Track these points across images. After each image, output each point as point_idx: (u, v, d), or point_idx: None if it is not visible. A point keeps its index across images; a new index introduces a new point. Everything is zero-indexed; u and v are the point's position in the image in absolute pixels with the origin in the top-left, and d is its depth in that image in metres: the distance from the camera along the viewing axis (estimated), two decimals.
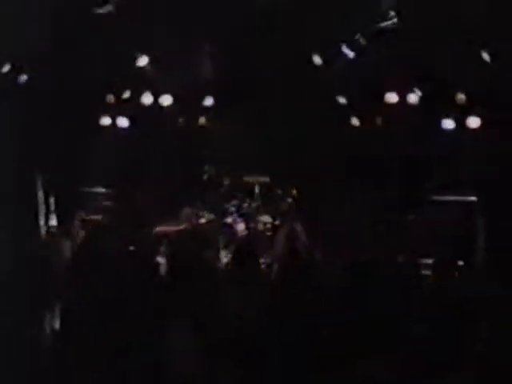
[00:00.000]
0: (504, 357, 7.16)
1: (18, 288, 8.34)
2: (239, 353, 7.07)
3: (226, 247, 11.85)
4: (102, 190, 13.56)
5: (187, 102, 13.17)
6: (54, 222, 12.32)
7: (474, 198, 12.64)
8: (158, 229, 11.86)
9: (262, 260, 11.55)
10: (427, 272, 9.76)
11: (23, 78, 11.31)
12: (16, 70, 11.26)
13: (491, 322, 7.55)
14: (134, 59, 11.89)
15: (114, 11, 10.66)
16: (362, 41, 11.41)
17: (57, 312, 8.88)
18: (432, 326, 7.51)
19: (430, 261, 10.25)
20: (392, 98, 12.65)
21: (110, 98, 12.71)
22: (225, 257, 11.67)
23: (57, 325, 8.83)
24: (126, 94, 12.71)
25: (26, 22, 10.50)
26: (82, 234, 11.32)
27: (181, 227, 11.88)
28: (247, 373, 7.02)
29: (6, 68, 11.30)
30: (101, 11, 10.44)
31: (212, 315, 7.46)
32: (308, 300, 7.33)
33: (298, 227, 11.04)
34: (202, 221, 12.48)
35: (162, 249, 11.56)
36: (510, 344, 7.20)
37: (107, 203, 13.46)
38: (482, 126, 12.48)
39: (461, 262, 9.86)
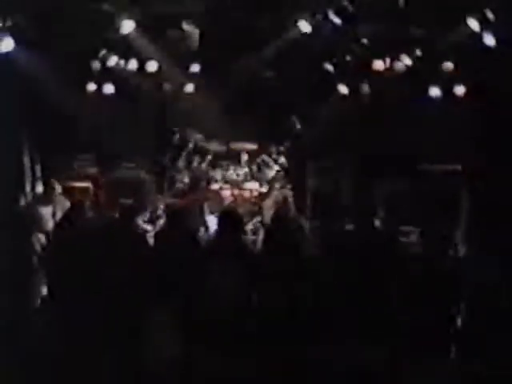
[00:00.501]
0: (486, 330, 7.21)
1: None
2: (223, 325, 7.09)
3: (212, 214, 11.86)
4: (86, 156, 13.48)
5: (173, 68, 13.13)
6: (39, 188, 12.26)
7: (459, 167, 12.69)
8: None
9: (248, 226, 11.65)
10: (410, 239, 9.87)
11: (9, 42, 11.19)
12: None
13: (474, 295, 7.57)
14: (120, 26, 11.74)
15: None
16: (350, 8, 11.33)
17: (41, 282, 8.92)
18: (413, 297, 7.52)
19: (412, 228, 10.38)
20: (379, 65, 12.64)
21: (96, 65, 12.61)
22: (211, 222, 11.68)
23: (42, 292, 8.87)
24: (112, 61, 12.60)
25: None
26: (65, 201, 11.30)
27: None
28: (231, 346, 7.04)
29: None
30: None
31: (198, 284, 7.47)
32: (293, 267, 7.34)
33: (288, 193, 11.09)
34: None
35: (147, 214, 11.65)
36: (492, 318, 7.25)
37: (93, 171, 13.42)
38: (468, 94, 12.53)
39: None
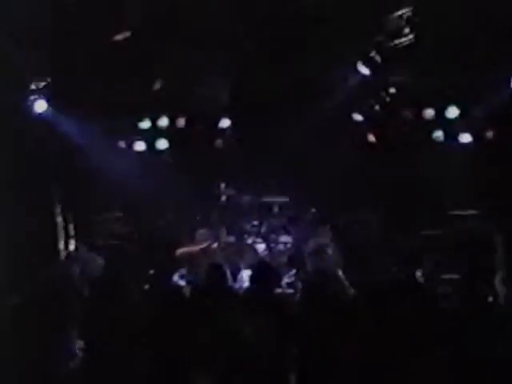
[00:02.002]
0: None
1: (38, 312, 8.32)
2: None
3: (248, 268, 11.79)
4: (120, 214, 13.55)
5: (203, 124, 13.23)
6: (72, 246, 12.31)
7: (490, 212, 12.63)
8: (180, 251, 11.82)
9: (284, 279, 11.57)
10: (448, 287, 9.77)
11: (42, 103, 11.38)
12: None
13: None
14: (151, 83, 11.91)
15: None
16: (377, 58, 11.41)
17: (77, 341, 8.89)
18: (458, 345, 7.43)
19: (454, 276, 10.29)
20: (408, 113, 12.69)
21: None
22: (247, 278, 11.62)
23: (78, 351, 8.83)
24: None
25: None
26: (99, 259, 11.34)
27: (202, 246, 11.82)
28: None
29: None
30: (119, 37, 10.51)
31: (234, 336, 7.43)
32: (332, 320, 7.29)
33: (326, 245, 11.03)
34: (215, 244, 12.37)
35: (183, 271, 11.59)
36: None
37: (126, 228, 13.46)
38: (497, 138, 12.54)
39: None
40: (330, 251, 11.11)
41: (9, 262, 10.23)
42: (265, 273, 7.86)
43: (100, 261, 11.09)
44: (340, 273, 9.96)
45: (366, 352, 7.16)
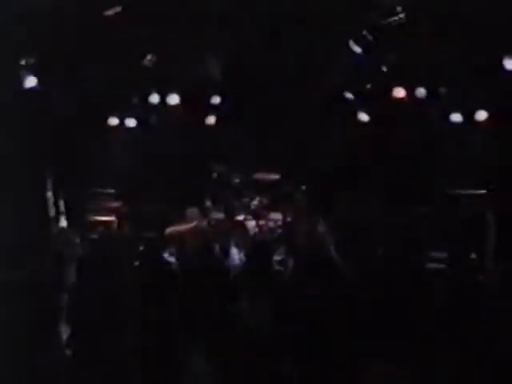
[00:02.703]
0: None
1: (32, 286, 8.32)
2: (251, 358, 7.06)
3: (237, 245, 11.80)
4: (111, 190, 13.55)
5: (195, 100, 13.20)
6: (63, 223, 12.28)
7: (484, 191, 12.65)
8: (169, 230, 11.82)
9: (275, 257, 11.57)
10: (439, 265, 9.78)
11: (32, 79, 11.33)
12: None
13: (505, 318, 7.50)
14: (142, 59, 11.87)
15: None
16: (370, 36, 11.38)
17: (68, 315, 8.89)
18: (445, 324, 7.46)
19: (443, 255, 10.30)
20: (400, 92, 12.67)
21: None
22: (236, 255, 11.63)
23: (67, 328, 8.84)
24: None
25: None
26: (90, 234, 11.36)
27: (191, 226, 11.83)
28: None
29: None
30: (109, 12, 10.45)
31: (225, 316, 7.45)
32: (324, 296, 7.31)
33: (318, 222, 11.04)
34: (204, 223, 12.38)
35: (172, 249, 11.59)
36: None
37: (116, 204, 13.46)
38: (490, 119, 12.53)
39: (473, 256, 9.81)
40: (321, 228, 11.13)
41: None
42: (262, 251, 7.90)
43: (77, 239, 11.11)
44: (332, 250, 9.99)
45: (359, 329, 7.20)
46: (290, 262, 9.92)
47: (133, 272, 8.60)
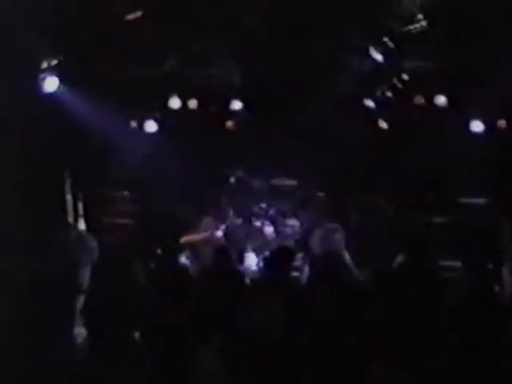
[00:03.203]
0: None
1: (47, 289, 8.35)
2: (269, 364, 7.06)
3: (254, 251, 11.82)
4: (128, 194, 13.61)
5: (215, 105, 13.23)
6: (82, 225, 12.30)
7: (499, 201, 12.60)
8: (184, 239, 11.87)
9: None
10: (454, 275, 9.74)
11: (54, 81, 11.39)
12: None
13: None
14: (163, 63, 11.92)
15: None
16: (390, 44, 11.36)
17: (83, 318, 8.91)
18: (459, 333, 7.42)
19: (457, 263, 10.26)
20: (419, 100, 12.64)
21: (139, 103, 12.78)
22: (253, 260, 11.66)
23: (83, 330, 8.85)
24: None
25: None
26: (109, 237, 11.42)
27: (205, 235, 11.87)
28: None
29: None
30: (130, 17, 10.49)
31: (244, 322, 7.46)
32: (338, 303, 7.31)
33: (335, 229, 11.06)
34: (219, 232, 12.40)
35: (189, 252, 11.64)
36: None
37: (134, 207, 13.52)
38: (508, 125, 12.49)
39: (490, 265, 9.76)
40: (337, 236, 11.12)
41: (17, 240, 10.25)
42: (281, 257, 7.91)
43: (94, 242, 11.19)
44: (347, 257, 9.98)
45: (373, 336, 7.18)
46: (307, 269, 9.94)
47: (149, 275, 8.63)
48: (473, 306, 7.55)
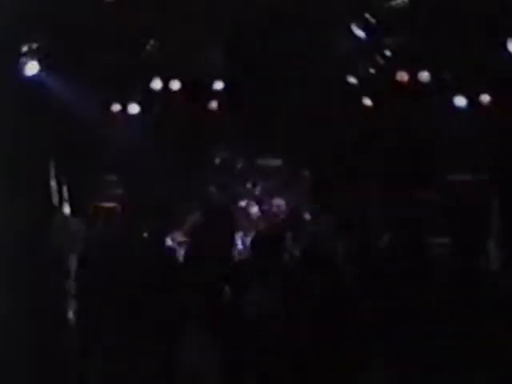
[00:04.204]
0: None
1: (34, 275, 8.34)
2: (260, 347, 7.07)
3: (240, 231, 11.81)
4: (113, 177, 13.55)
5: (197, 86, 13.16)
6: (67, 210, 12.25)
7: (486, 177, 12.62)
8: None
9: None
10: (442, 251, 9.79)
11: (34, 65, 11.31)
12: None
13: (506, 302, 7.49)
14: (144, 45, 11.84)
15: None
16: (372, 20, 11.33)
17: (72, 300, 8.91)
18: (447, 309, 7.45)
19: (444, 240, 10.31)
20: (403, 76, 12.61)
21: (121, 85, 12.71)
22: (240, 240, 11.65)
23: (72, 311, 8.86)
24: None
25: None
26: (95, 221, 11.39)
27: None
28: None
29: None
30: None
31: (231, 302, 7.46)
32: (328, 282, 7.34)
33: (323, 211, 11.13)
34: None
35: (175, 234, 11.62)
36: None
37: (119, 191, 13.47)
38: (494, 102, 12.47)
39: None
40: (324, 216, 11.18)
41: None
42: (270, 238, 7.92)
43: (81, 225, 11.18)
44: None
45: (362, 316, 7.21)
46: (295, 248, 9.98)
47: (136, 259, 8.61)
48: (460, 281, 7.59)
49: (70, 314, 8.80)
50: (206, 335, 7.35)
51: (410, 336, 7.14)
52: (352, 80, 12.90)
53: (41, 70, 11.46)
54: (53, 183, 12.46)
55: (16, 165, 11.15)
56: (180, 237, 11.62)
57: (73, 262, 9.46)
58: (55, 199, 12.34)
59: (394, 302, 7.34)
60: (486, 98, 12.55)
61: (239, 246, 11.54)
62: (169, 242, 11.22)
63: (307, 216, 12.03)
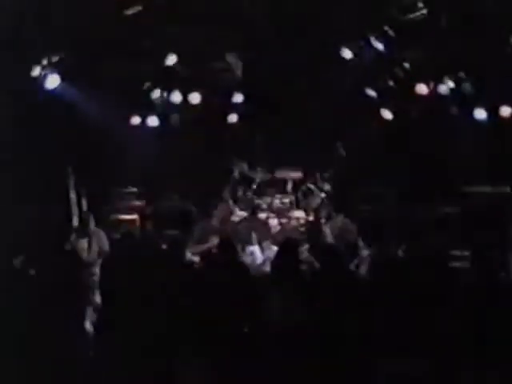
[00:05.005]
0: None
1: (54, 287, 8.34)
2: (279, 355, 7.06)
3: (260, 244, 11.79)
4: (133, 189, 13.61)
5: (217, 98, 13.20)
6: (91, 222, 12.29)
7: (506, 189, 12.58)
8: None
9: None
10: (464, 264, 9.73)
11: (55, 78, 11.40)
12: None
13: None
14: (164, 58, 11.90)
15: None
16: (391, 33, 11.34)
17: (90, 312, 8.92)
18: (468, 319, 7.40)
19: (464, 252, 10.25)
20: (422, 89, 12.59)
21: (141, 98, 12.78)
22: (260, 253, 11.63)
23: (90, 324, 8.86)
24: (156, 94, 12.75)
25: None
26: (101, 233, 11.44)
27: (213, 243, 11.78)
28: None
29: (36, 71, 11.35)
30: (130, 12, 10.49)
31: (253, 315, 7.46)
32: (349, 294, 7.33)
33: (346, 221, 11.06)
34: (235, 218, 12.44)
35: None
36: None
37: (139, 203, 13.52)
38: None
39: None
40: (343, 227, 11.16)
41: (22, 238, 10.26)
42: (291, 250, 7.90)
43: (105, 236, 11.26)
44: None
45: (381, 327, 7.18)
46: (313, 260, 9.95)
47: (156, 271, 8.61)
48: (479, 294, 7.53)
49: (90, 324, 8.82)
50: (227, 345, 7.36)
51: (427, 353, 7.11)
52: (371, 92, 12.90)
53: (61, 83, 11.54)
54: (72, 195, 12.56)
55: (37, 177, 11.28)
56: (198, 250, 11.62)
57: (96, 272, 9.52)
58: (75, 210, 12.44)
59: (412, 314, 7.30)
60: (506, 111, 12.50)
61: (259, 258, 11.53)
62: (188, 254, 11.21)
63: (327, 228, 11.98)
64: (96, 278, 9.49)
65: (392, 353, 7.09)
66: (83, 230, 11.35)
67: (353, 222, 11.65)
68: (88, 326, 8.58)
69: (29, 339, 7.40)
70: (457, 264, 9.59)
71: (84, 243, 10.99)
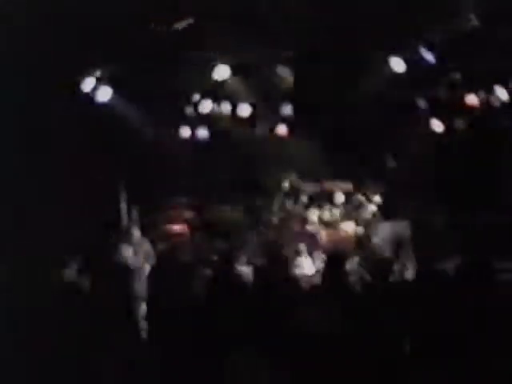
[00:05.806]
0: None
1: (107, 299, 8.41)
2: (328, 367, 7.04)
3: (310, 255, 11.80)
4: (183, 200, 13.68)
5: (265, 110, 13.23)
6: (137, 233, 12.41)
7: None
8: None
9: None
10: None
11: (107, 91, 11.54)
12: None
13: None
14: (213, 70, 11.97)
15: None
16: (442, 43, 11.26)
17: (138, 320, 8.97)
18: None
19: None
20: (473, 100, 12.49)
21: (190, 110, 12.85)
22: (309, 264, 11.64)
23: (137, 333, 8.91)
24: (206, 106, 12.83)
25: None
26: (163, 244, 11.52)
27: None
28: None
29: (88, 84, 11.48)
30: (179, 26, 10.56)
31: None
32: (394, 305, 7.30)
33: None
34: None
35: (244, 258, 11.64)
36: None
37: (189, 214, 13.58)
38: None
39: None
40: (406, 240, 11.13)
41: (72, 248, 10.37)
42: (339, 261, 7.89)
43: (150, 246, 11.33)
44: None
45: (426, 340, 7.12)
46: (363, 271, 9.93)
47: (205, 284, 8.64)
48: None
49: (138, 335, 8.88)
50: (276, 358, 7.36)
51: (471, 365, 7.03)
52: (421, 103, 12.83)
53: (113, 96, 11.67)
54: (123, 206, 12.68)
55: (88, 190, 11.39)
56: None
57: (144, 283, 9.57)
58: (125, 221, 12.55)
59: (458, 328, 7.23)
60: None
61: (309, 269, 11.54)
62: (238, 266, 11.24)
63: (376, 240, 11.95)
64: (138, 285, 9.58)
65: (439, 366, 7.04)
66: (129, 240, 11.48)
67: (403, 233, 11.61)
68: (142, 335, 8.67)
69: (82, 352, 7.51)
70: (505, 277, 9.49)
71: (129, 251, 11.10)
